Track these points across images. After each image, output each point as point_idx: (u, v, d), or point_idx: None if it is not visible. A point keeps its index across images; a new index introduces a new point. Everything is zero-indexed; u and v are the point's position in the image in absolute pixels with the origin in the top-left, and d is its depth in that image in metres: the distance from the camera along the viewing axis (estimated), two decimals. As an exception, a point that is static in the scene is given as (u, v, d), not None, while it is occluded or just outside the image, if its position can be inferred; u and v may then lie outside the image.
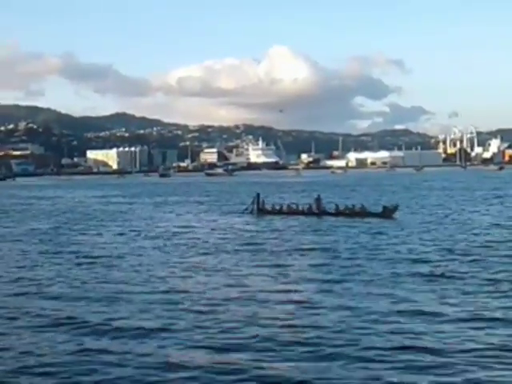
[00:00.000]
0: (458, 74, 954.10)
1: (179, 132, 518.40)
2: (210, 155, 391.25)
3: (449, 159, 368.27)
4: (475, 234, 40.57)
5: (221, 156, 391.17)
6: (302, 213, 57.13)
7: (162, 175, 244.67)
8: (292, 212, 57.97)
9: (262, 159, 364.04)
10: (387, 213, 53.19)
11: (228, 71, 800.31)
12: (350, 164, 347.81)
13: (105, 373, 14.87)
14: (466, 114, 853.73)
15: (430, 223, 48.52)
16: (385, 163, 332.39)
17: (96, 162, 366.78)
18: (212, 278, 26.56)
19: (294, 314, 20.04)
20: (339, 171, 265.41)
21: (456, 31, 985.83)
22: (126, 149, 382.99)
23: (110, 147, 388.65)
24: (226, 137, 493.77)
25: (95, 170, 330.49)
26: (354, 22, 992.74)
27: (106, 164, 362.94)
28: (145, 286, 25.08)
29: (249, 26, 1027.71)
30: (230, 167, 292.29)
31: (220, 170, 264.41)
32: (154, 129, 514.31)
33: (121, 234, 44.72)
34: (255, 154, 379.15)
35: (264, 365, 15.11)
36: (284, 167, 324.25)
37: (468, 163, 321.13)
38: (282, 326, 18.49)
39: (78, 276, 27.65)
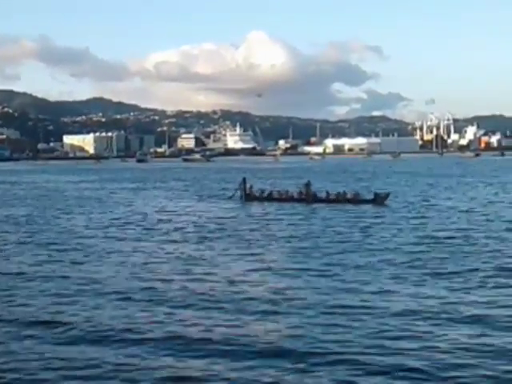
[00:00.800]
0: (436, 60, 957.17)
1: (156, 117, 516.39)
2: (187, 141, 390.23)
3: (425, 146, 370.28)
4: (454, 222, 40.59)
5: (198, 142, 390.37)
6: (292, 199, 56.24)
7: (139, 160, 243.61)
8: (281, 198, 56.88)
9: (240, 145, 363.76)
10: (379, 200, 53.05)
11: (205, 56, 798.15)
12: (327, 150, 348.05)
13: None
14: (442, 100, 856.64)
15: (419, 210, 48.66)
16: (362, 150, 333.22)
17: (72, 147, 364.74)
18: (187, 267, 26.14)
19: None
20: (317, 157, 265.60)
21: (433, 18, 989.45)
22: (103, 134, 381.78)
23: (87, 132, 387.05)
24: (204, 122, 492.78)
25: (72, 155, 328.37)
26: (332, 7, 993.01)
27: (82, 149, 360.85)
28: (117, 275, 24.68)
29: (226, 10, 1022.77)
30: (207, 153, 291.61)
31: (197, 156, 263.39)
32: (131, 114, 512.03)
33: (95, 221, 44.12)
34: (233, 139, 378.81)
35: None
36: (262, 153, 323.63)
37: (444, 150, 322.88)
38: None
39: (46, 265, 27.15)
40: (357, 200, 53.79)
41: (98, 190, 79.18)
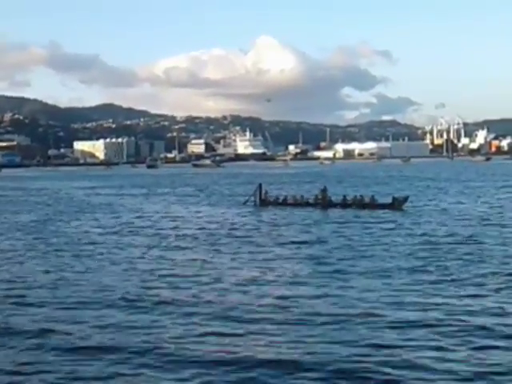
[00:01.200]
0: (445, 64, 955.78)
1: (166, 123, 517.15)
2: (197, 146, 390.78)
3: (436, 150, 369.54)
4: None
5: (208, 147, 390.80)
6: (307, 204, 55.53)
7: (149, 166, 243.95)
8: (297, 203, 56.16)
9: (250, 150, 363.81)
10: (397, 204, 52.12)
11: (215, 62, 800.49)
12: (337, 155, 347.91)
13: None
14: (452, 104, 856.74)
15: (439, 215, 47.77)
16: (372, 154, 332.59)
17: (83, 153, 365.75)
18: (200, 273, 25.92)
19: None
20: (327, 162, 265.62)
21: (443, 22, 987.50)
22: (113, 140, 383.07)
23: (97, 138, 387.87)
24: (214, 128, 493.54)
25: (82, 161, 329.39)
26: (341, 12, 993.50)
27: (92, 155, 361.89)
28: (125, 281, 24.56)
29: (235, 16, 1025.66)
30: (217, 158, 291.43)
31: (207, 161, 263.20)
32: (141, 120, 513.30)
33: (104, 227, 43.96)
34: (243, 145, 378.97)
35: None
36: (272, 158, 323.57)
37: (455, 154, 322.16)
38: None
39: (58, 268, 27.20)
40: (374, 204, 52.92)
41: (109, 196, 79.07)
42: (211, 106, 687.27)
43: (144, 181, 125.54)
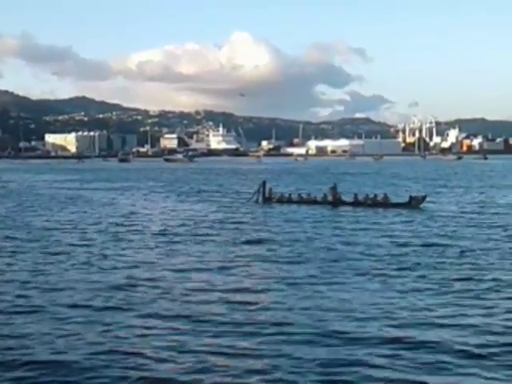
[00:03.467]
0: (419, 63, 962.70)
1: (139, 117, 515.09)
2: (169, 141, 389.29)
3: (408, 148, 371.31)
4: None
5: (181, 142, 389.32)
6: (315, 202, 53.64)
7: (121, 160, 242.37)
8: (303, 201, 54.27)
9: (223, 146, 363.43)
10: (414, 203, 50.61)
11: (189, 56, 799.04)
12: (310, 152, 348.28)
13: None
14: (425, 103, 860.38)
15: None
16: (345, 151, 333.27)
17: (54, 145, 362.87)
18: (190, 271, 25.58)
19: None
20: (300, 159, 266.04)
21: (417, 20, 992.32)
22: (85, 133, 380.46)
23: (69, 131, 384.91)
24: (187, 123, 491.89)
25: (53, 153, 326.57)
26: (316, 8, 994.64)
27: (64, 148, 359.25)
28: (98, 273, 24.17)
29: (210, 10, 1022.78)
30: (189, 153, 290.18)
31: (180, 156, 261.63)
32: (114, 113, 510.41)
33: (72, 221, 43.37)
34: (216, 140, 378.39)
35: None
36: (244, 154, 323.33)
37: (427, 153, 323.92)
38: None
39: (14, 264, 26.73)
40: (388, 203, 51.37)
41: (79, 190, 78.20)
42: (184, 101, 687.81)
43: (115, 175, 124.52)
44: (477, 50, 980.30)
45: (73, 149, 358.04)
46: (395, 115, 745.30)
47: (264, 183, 57.68)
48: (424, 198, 52.66)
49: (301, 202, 54.35)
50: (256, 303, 19.75)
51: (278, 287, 22.02)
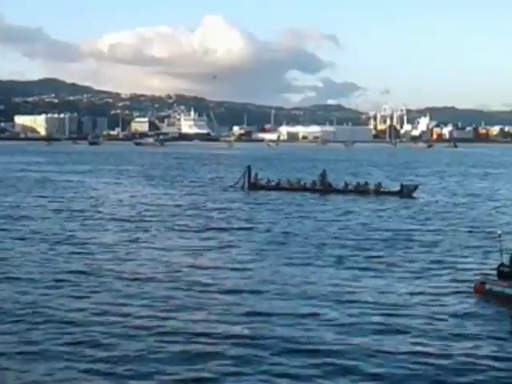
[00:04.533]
0: (391, 51, 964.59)
1: (110, 100, 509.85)
2: (141, 124, 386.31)
3: (379, 136, 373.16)
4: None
5: (152, 126, 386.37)
6: (304, 189, 53.02)
7: (91, 143, 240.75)
8: (292, 188, 53.53)
9: (194, 130, 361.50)
10: (406, 191, 50.47)
11: (161, 39, 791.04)
12: (281, 138, 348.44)
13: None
14: (397, 91, 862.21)
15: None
16: (316, 138, 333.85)
17: (24, 127, 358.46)
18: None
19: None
20: (272, 144, 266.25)
21: (390, 9, 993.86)
22: (55, 115, 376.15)
23: (39, 113, 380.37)
24: (158, 106, 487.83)
25: (23, 135, 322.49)
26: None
27: (34, 130, 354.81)
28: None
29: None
30: (160, 137, 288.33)
31: (150, 140, 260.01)
32: (85, 96, 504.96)
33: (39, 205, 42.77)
34: (187, 124, 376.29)
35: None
36: (216, 139, 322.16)
37: (397, 140, 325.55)
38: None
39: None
40: (380, 191, 51.20)
41: (48, 173, 77.18)
42: (156, 85, 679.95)
43: (84, 158, 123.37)
44: (449, 38, 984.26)
45: (42, 131, 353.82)
46: (367, 102, 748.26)
47: (249, 168, 56.54)
48: (416, 187, 52.57)
49: (289, 188, 53.60)
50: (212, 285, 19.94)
51: (241, 272, 22.17)
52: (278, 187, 54.16)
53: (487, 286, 19.42)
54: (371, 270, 22.82)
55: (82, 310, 17.35)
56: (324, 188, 52.73)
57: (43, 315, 16.77)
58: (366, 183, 53.01)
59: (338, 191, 52.03)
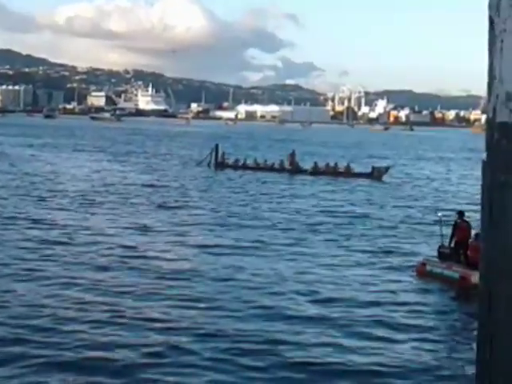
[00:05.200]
0: (350, 33, 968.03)
1: (67, 73, 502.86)
2: (97, 99, 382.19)
3: (336, 117, 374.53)
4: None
5: (109, 100, 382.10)
6: (272, 169, 52.36)
7: (46, 116, 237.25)
8: (259, 168, 52.89)
9: (151, 106, 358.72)
10: (376, 174, 50.06)
11: (119, 13, 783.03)
12: (239, 116, 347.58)
13: None
14: (355, 73, 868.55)
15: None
16: (274, 117, 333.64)
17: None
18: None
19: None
20: (230, 123, 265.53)
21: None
22: (10, 87, 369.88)
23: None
24: (115, 81, 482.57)
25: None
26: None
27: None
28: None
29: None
30: (117, 112, 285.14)
31: (107, 115, 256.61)
32: (41, 68, 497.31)
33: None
34: (144, 100, 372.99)
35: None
36: (173, 115, 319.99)
37: (355, 122, 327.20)
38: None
39: None
40: (350, 173, 50.66)
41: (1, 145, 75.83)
42: (114, 59, 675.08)
43: (40, 131, 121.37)
44: (409, 23, 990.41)
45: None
46: (325, 83, 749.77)
47: (217, 146, 56.27)
48: (387, 169, 52.13)
49: (256, 168, 53.07)
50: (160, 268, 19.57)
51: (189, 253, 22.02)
52: (245, 166, 53.74)
53: (428, 268, 20.12)
54: (317, 255, 22.69)
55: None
56: (293, 169, 52.25)
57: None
58: (336, 164, 52.41)
59: (307, 172, 51.49)
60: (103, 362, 12.25)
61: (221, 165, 54.35)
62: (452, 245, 20.12)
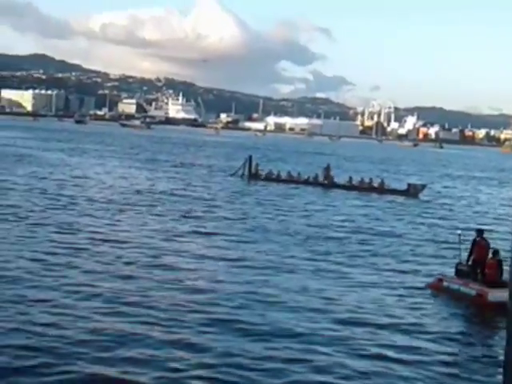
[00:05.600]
0: (383, 48, 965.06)
1: (99, 79, 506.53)
2: (128, 106, 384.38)
3: (365, 132, 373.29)
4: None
5: (139, 108, 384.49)
6: (306, 182, 52.15)
7: (77, 121, 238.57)
8: (293, 180, 52.72)
9: (181, 115, 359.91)
10: (412, 191, 49.35)
11: (153, 22, 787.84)
12: (268, 128, 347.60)
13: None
14: (386, 88, 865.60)
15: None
16: (303, 130, 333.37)
17: (10, 102, 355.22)
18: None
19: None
20: (259, 134, 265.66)
21: (383, 5, 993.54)
22: (43, 91, 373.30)
23: (26, 88, 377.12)
24: (147, 89, 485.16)
25: (8, 110, 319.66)
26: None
27: (20, 105, 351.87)
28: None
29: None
30: (147, 120, 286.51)
31: (137, 122, 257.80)
32: (73, 74, 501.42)
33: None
34: (175, 108, 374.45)
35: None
36: (203, 125, 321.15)
37: (384, 137, 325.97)
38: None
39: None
40: (384, 189, 50.24)
41: (32, 149, 76.53)
42: (146, 67, 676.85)
43: (70, 136, 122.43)
44: (442, 40, 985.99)
45: (29, 106, 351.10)
46: (355, 98, 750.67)
47: (250, 158, 55.95)
48: (424, 186, 51.45)
49: (290, 181, 52.77)
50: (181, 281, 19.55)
51: (210, 265, 21.98)
52: (278, 179, 53.48)
53: (444, 284, 20.34)
54: (344, 265, 23.12)
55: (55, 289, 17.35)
56: (328, 183, 51.88)
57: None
58: (371, 180, 51.94)
59: (341, 186, 51.10)
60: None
61: (254, 176, 54.18)
62: (470, 262, 20.20)
